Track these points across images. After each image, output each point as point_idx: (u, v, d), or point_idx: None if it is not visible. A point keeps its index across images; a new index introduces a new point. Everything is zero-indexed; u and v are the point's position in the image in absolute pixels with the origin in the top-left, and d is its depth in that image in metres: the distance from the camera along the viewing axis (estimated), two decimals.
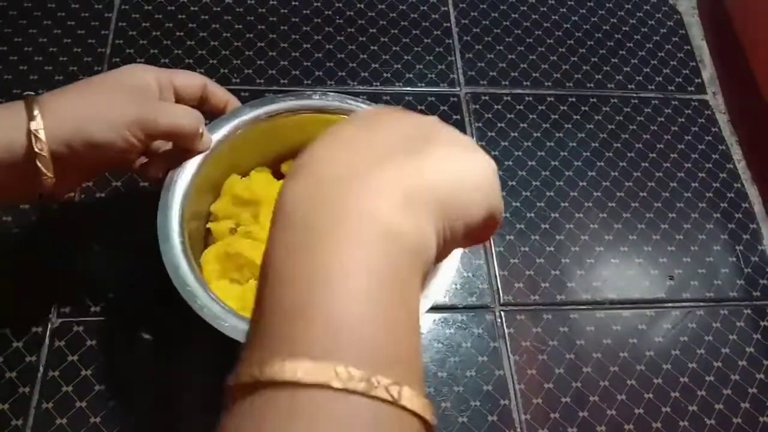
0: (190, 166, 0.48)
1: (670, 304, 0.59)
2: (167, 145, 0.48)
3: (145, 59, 0.66)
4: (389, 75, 0.68)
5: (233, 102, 0.51)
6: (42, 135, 0.39)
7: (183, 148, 0.47)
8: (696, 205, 0.64)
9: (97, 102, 0.42)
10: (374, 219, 0.26)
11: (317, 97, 0.53)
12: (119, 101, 0.42)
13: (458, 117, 0.66)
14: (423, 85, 0.68)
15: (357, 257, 0.25)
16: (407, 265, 0.27)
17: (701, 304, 0.59)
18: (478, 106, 0.67)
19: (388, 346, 0.24)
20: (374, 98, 0.66)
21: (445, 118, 0.66)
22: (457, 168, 0.30)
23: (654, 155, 0.67)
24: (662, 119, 0.69)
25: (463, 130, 0.65)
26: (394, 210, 0.27)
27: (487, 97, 0.68)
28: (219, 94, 0.50)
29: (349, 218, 0.26)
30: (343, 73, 0.68)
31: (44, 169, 0.40)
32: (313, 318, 0.24)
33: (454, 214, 0.29)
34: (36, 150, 0.39)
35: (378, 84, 0.68)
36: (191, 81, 0.48)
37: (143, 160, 0.48)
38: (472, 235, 0.31)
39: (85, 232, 0.57)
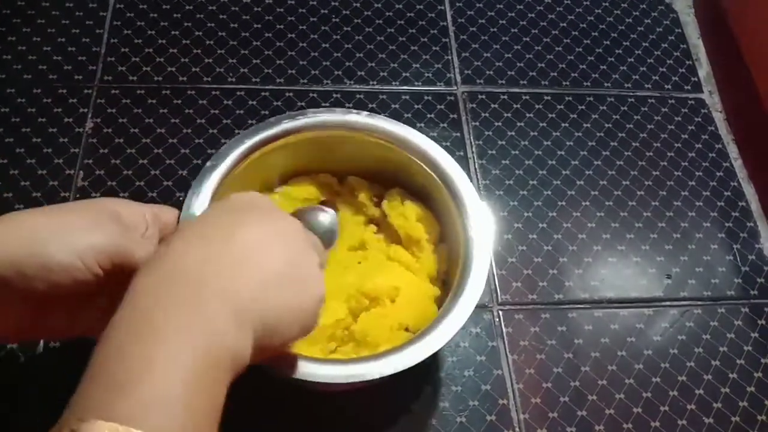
0: (209, 184, 0.47)
1: (667, 303, 0.59)
2: None
3: (140, 58, 0.65)
4: (386, 74, 0.68)
5: None
6: None
7: None
8: (693, 203, 0.64)
9: (62, 220, 0.35)
10: (206, 326, 0.29)
11: (339, 113, 0.52)
12: (90, 223, 0.36)
13: (455, 116, 0.66)
14: (420, 83, 0.68)
15: (182, 353, 0.28)
16: (222, 371, 0.30)
17: (699, 302, 0.59)
18: (474, 105, 0.67)
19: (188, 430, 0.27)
20: (371, 97, 0.66)
21: (443, 117, 0.66)
22: (288, 296, 0.34)
23: (651, 154, 0.67)
24: (659, 118, 0.69)
25: (460, 129, 0.65)
26: (224, 321, 0.30)
27: (483, 96, 0.68)
28: None
29: (185, 317, 0.29)
30: (340, 72, 0.67)
31: None
32: (132, 392, 0.26)
33: (273, 332, 0.33)
34: None
35: (374, 83, 0.67)
36: (171, 219, 0.43)
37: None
38: (285, 345, 0.37)
39: None
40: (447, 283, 0.51)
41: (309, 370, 0.41)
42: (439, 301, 0.49)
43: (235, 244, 0.34)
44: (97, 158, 0.59)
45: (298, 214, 0.43)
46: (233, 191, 0.48)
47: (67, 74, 0.64)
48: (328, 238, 0.43)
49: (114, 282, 0.35)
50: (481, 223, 0.48)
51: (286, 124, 0.51)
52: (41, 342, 0.50)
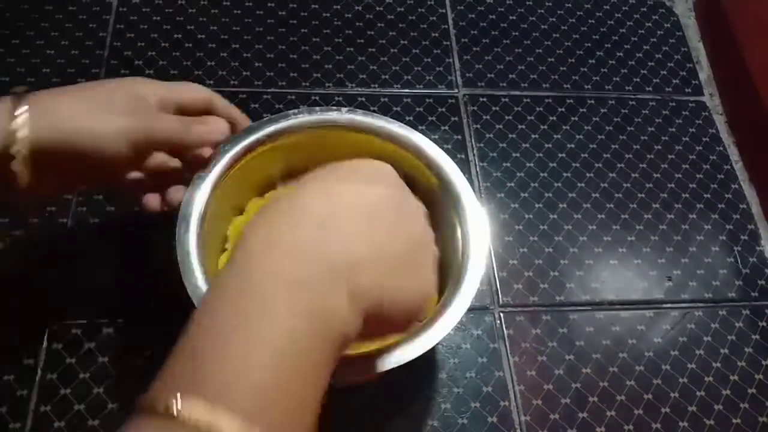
0: (208, 181, 0.47)
1: (668, 305, 0.59)
2: (171, 164, 0.44)
3: (142, 61, 0.66)
4: (387, 77, 0.68)
5: (241, 120, 0.49)
6: (22, 133, 0.36)
7: (193, 157, 0.44)
8: (694, 206, 0.65)
9: (89, 106, 0.39)
10: (318, 305, 0.29)
11: (344, 112, 0.52)
12: (113, 108, 0.40)
13: (456, 119, 0.66)
14: (421, 86, 0.68)
15: (286, 332, 0.27)
16: (327, 352, 0.29)
17: (700, 304, 0.59)
18: (476, 108, 0.67)
19: (279, 412, 0.27)
20: (372, 100, 0.66)
21: (444, 119, 0.66)
22: (405, 286, 0.33)
23: (652, 156, 0.67)
24: (660, 121, 0.69)
25: (461, 131, 0.65)
26: (339, 303, 0.29)
27: (485, 99, 0.68)
28: (225, 110, 0.47)
29: (296, 293, 0.28)
30: (341, 75, 0.68)
31: (20, 172, 0.37)
32: (224, 368, 0.26)
33: (381, 321, 0.32)
34: (11, 152, 0.36)
35: (376, 86, 0.68)
36: (194, 95, 0.45)
37: (137, 176, 0.43)
38: (387, 334, 0.36)
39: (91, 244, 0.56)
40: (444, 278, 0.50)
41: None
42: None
43: (357, 211, 0.32)
44: None
45: None
46: (230, 194, 0.50)
47: (70, 77, 0.64)
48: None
49: (136, 156, 0.41)
50: (478, 221, 0.48)
51: (286, 123, 0.51)
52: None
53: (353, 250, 0.31)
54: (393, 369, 0.43)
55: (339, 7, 0.72)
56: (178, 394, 0.25)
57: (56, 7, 0.68)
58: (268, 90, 0.66)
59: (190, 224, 0.45)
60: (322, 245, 0.30)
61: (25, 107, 0.37)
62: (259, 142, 0.50)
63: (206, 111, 0.46)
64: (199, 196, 0.46)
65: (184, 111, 0.44)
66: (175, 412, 0.24)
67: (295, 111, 0.51)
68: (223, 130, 0.45)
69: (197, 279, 0.42)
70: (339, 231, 0.31)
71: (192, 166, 0.45)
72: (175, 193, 0.45)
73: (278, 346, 0.27)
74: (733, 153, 0.69)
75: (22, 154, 0.37)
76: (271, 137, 0.50)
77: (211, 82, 0.65)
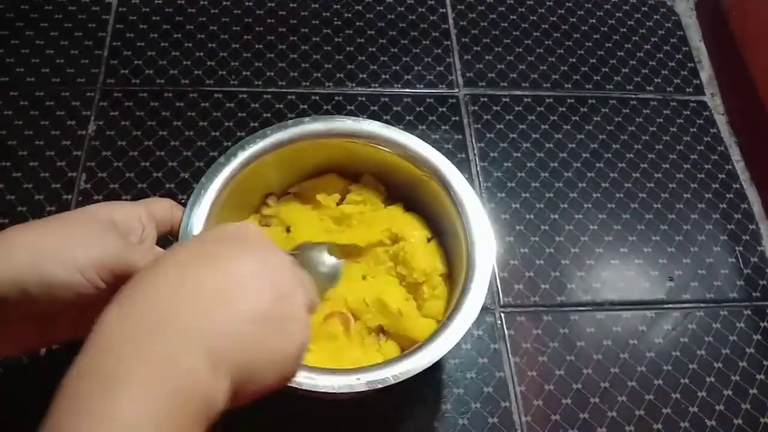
0: (213, 187, 0.47)
1: (670, 305, 0.59)
2: None
3: (142, 61, 0.66)
4: (387, 77, 0.68)
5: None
6: None
7: None
8: (695, 206, 0.64)
9: (60, 237, 0.35)
10: (175, 372, 0.27)
11: (350, 121, 0.51)
12: (86, 237, 0.36)
13: (457, 118, 0.66)
14: (422, 86, 0.68)
15: (146, 407, 0.26)
16: (193, 421, 0.28)
17: (701, 305, 0.59)
18: (476, 108, 0.67)
19: None
20: (373, 100, 0.66)
21: (444, 119, 0.66)
22: (268, 340, 0.32)
23: (653, 156, 0.67)
24: (661, 120, 0.69)
25: (462, 131, 0.65)
26: (197, 365, 0.28)
27: (485, 99, 0.68)
28: (178, 215, 0.45)
29: (151, 366, 0.27)
30: (342, 75, 0.67)
31: None
32: None
33: (250, 379, 0.31)
34: None
35: (376, 85, 0.67)
36: (165, 210, 0.43)
37: None
38: (260, 392, 0.33)
39: None
40: (450, 285, 0.50)
41: (307, 381, 0.40)
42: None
43: (214, 277, 0.31)
44: (99, 161, 0.59)
45: (300, 248, 0.41)
46: (240, 190, 0.49)
47: (69, 77, 0.64)
48: (328, 279, 0.41)
49: (115, 288, 0.35)
50: (483, 231, 0.48)
51: (302, 128, 0.51)
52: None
53: (205, 316, 0.30)
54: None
55: (339, 6, 0.72)
56: None
57: (56, 7, 0.68)
58: (268, 90, 0.65)
59: None
60: (170, 317, 0.29)
61: None
62: (252, 158, 0.49)
63: (170, 223, 0.44)
64: (196, 226, 0.45)
65: (158, 224, 0.42)
66: None
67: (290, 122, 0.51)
68: None
69: None
70: (190, 301, 0.30)
71: None
72: None
73: (149, 415, 0.26)
74: (735, 153, 0.69)
75: None
76: (273, 148, 0.50)
77: (211, 82, 0.65)
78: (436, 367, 0.53)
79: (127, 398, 0.26)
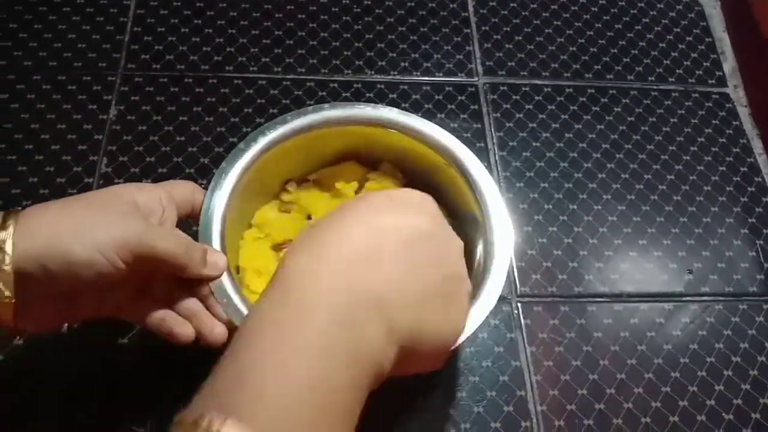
0: (234, 171, 0.47)
1: (688, 298, 0.58)
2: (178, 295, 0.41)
3: (163, 46, 0.66)
4: (407, 64, 0.68)
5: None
6: (8, 246, 0.33)
7: (185, 279, 0.40)
8: (716, 198, 0.64)
9: (81, 216, 0.36)
10: (357, 341, 0.29)
11: (370, 108, 0.51)
12: (108, 217, 0.36)
13: (476, 107, 0.66)
14: (441, 74, 0.68)
15: (324, 365, 0.28)
16: (361, 389, 0.29)
17: (720, 298, 0.59)
18: (496, 97, 0.67)
19: None
20: (391, 88, 0.66)
21: (463, 108, 0.66)
22: (440, 323, 0.33)
23: (674, 148, 0.66)
24: (682, 112, 0.68)
25: (480, 120, 0.65)
26: (378, 340, 0.30)
27: (505, 88, 0.68)
28: (199, 198, 0.45)
29: (336, 328, 0.29)
30: (361, 63, 0.67)
31: (2, 287, 0.33)
32: (266, 398, 0.27)
33: (413, 355, 0.32)
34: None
35: (395, 73, 0.67)
36: (186, 193, 0.43)
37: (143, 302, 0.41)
38: (413, 368, 0.35)
39: None
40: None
41: None
42: None
43: (392, 243, 0.32)
44: (120, 145, 0.60)
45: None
46: (260, 176, 0.50)
47: (91, 62, 0.64)
48: None
49: (135, 269, 0.36)
50: (502, 219, 0.48)
51: (321, 115, 0.51)
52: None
53: (391, 284, 0.31)
54: None
55: None
56: (220, 416, 0.25)
57: (74, 10, 0.68)
58: (287, 76, 0.65)
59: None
60: (360, 278, 0.30)
61: (13, 220, 0.34)
62: (273, 143, 0.50)
63: (191, 206, 0.44)
64: (218, 210, 0.45)
65: (178, 207, 0.42)
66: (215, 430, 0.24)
67: (308, 108, 0.51)
68: (222, 267, 0.42)
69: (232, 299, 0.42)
70: (377, 264, 0.31)
71: (189, 288, 0.42)
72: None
73: (313, 382, 0.27)
74: (757, 146, 0.68)
75: (9, 264, 0.33)
76: (279, 141, 0.50)
77: (231, 68, 0.65)
78: (453, 355, 0.53)
79: (307, 351, 0.28)
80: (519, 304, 0.56)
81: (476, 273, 0.47)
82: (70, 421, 0.48)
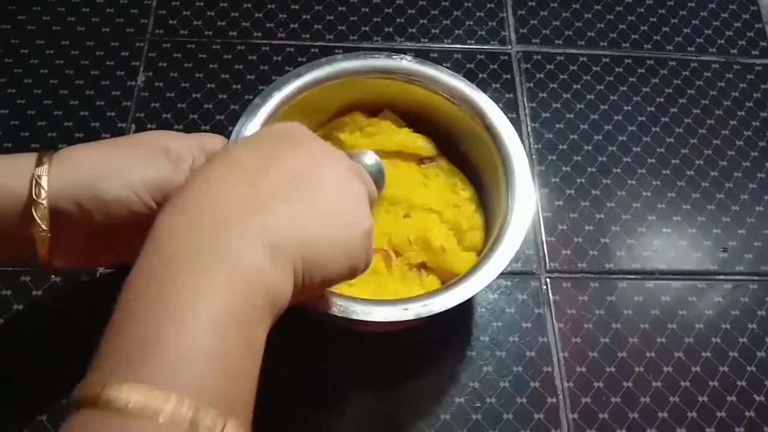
0: (254, 123, 0.47)
1: (722, 277, 0.57)
2: None
3: (190, 12, 0.65)
4: (437, 31, 0.66)
5: None
6: (44, 182, 0.35)
7: None
8: (754, 175, 0.62)
9: (116, 156, 0.37)
10: (235, 265, 0.27)
11: (396, 58, 0.51)
12: (142, 159, 0.38)
13: (508, 76, 0.64)
14: (473, 42, 0.66)
15: (210, 300, 0.26)
16: (258, 313, 0.28)
17: (755, 277, 0.57)
18: (529, 66, 0.65)
19: (224, 384, 0.26)
20: (422, 55, 0.64)
21: (495, 77, 0.64)
22: (330, 227, 0.32)
23: (712, 122, 0.64)
24: (722, 84, 0.66)
25: (513, 90, 0.63)
26: (257, 257, 0.28)
27: (539, 57, 0.66)
28: None
29: (211, 260, 0.27)
30: (390, 29, 0.66)
31: (39, 221, 0.35)
32: (159, 349, 0.25)
33: (316, 268, 0.31)
34: (33, 196, 0.34)
35: (426, 40, 0.66)
36: (216, 145, 0.44)
37: None
38: (330, 283, 0.33)
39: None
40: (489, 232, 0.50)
41: (343, 308, 0.41)
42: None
43: (270, 173, 0.31)
44: (148, 112, 0.60)
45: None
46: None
47: (119, 27, 0.64)
48: (376, 179, 0.40)
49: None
50: (524, 168, 0.48)
51: (337, 66, 0.50)
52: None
53: (262, 207, 0.30)
54: (435, 327, 0.43)
55: None
56: (121, 382, 0.24)
57: None
58: (316, 43, 0.64)
59: None
60: (229, 212, 0.29)
61: (48, 157, 0.36)
62: (316, 82, 0.50)
63: None
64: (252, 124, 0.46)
65: (208, 157, 0.42)
66: (117, 401, 0.23)
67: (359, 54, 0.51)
68: None
69: None
70: (246, 195, 0.30)
71: None
72: None
73: (212, 321, 0.26)
74: None
75: (44, 199, 0.35)
76: (308, 86, 0.50)
77: (259, 34, 0.64)
78: (479, 329, 0.53)
79: (189, 294, 0.26)
80: (548, 280, 0.55)
81: (498, 218, 0.47)
82: None
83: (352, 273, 0.34)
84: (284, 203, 0.31)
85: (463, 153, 0.53)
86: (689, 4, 0.70)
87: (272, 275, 0.29)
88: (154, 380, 0.24)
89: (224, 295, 0.27)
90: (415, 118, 0.54)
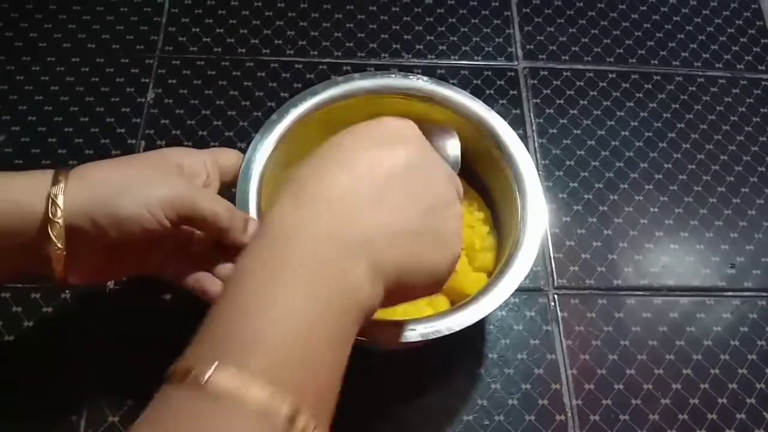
0: (270, 140, 0.48)
1: (730, 293, 0.57)
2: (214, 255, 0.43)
3: (200, 28, 0.66)
4: (445, 48, 0.67)
5: None
6: (60, 200, 0.35)
7: (223, 244, 0.41)
8: (762, 190, 0.62)
9: (130, 174, 0.38)
10: (339, 280, 0.29)
11: (412, 77, 0.52)
12: (156, 176, 0.38)
13: (515, 92, 0.65)
14: (479, 58, 0.66)
15: (316, 312, 0.28)
16: (350, 329, 0.29)
17: (763, 293, 0.57)
18: (536, 82, 0.65)
19: (315, 390, 0.27)
20: (429, 72, 0.65)
21: (502, 93, 0.64)
22: (427, 252, 0.33)
23: (719, 137, 0.64)
24: (729, 99, 0.66)
25: (520, 105, 0.64)
26: (359, 276, 0.29)
27: (546, 72, 0.66)
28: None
29: (319, 273, 0.28)
30: (398, 46, 0.66)
31: (55, 239, 0.35)
32: (263, 346, 0.26)
33: (405, 288, 0.32)
34: (50, 215, 0.35)
35: (433, 57, 0.66)
36: (231, 160, 0.45)
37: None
38: (409, 298, 0.35)
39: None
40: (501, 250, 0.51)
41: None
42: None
43: (375, 181, 0.32)
44: (158, 129, 0.60)
45: (430, 133, 0.41)
46: (291, 147, 0.50)
47: (129, 44, 0.64)
48: (454, 168, 0.40)
49: (178, 228, 0.39)
50: (536, 189, 0.48)
51: (351, 85, 0.51)
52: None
53: (371, 223, 0.31)
54: (444, 344, 0.44)
55: None
56: (210, 363, 0.25)
57: None
58: (324, 60, 0.65)
59: (249, 204, 0.45)
60: (341, 223, 0.30)
61: (64, 176, 0.36)
62: (332, 100, 0.51)
63: (235, 173, 0.46)
64: (253, 182, 0.46)
65: (222, 174, 0.44)
66: (204, 381, 0.24)
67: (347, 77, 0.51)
68: None
69: None
70: (359, 209, 0.31)
71: (227, 253, 0.42)
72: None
73: (305, 320, 0.27)
74: None
75: (60, 217, 0.35)
76: (324, 104, 0.51)
77: (268, 51, 0.65)
78: (487, 347, 0.53)
79: (296, 296, 0.28)
80: (556, 296, 0.55)
81: (509, 239, 0.47)
82: (110, 373, 0.49)
83: (430, 292, 0.35)
84: (389, 214, 0.32)
85: (475, 173, 0.53)
86: (695, 20, 0.70)
87: (369, 291, 0.30)
88: (242, 365, 0.25)
89: (325, 309, 0.28)
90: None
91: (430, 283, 0.34)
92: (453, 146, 0.42)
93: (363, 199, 0.31)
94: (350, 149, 0.34)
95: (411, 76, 0.52)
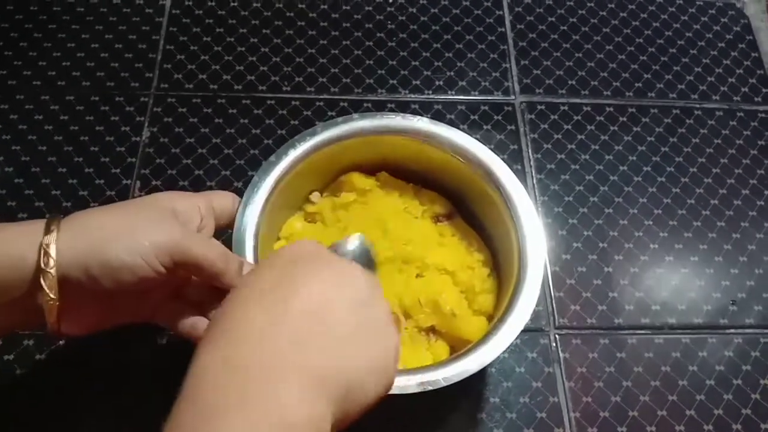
0: (268, 182, 0.48)
1: (732, 330, 0.57)
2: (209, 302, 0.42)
3: (195, 65, 0.65)
4: (441, 83, 0.66)
5: None
6: (52, 250, 0.34)
7: (218, 288, 0.40)
8: (761, 224, 0.61)
9: (123, 222, 0.37)
10: (274, 408, 0.28)
11: (411, 118, 0.52)
12: (149, 223, 0.37)
13: (512, 127, 0.64)
14: (476, 93, 0.66)
15: None
16: None
17: (765, 330, 0.57)
18: (533, 116, 0.65)
19: None
20: (426, 107, 0.65)
21: (500, 128, 0.64)
22: (371, 355, 0.32)
23: (717, 170, 0.64)
24: (727, 132, 0.66)
25: (517, 141, 0.63)
26: (296, 400, 0.28)
27: (543, 107, 0.66)
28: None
29: (250, 403, 0.28)
30: (395, 81, 0.66)
31: (47, 290, 0.35)
32: None
33: (356, 399, 0.31)
34: (42, 265, 0.34)
35: (430, 92, 0.66)
36: (226, 203, 0.45)
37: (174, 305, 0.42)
38: (364, 409, 0.33)
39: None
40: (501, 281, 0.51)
41: None
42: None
43: (298, 303, 0.32)
44: (153, 168, 0.60)
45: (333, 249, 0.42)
46: (289, 188, 0.50)
47: (123, 81, 0.64)
48: (362, 263, 0.40)
49: (173, 274, 0.38)
50: (535, 227, 0.48)
51: (351, 125, 0.51)
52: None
53: (304, 348, 0.30)
54: (444, 388, 0.43)
55: (392, 9, 0.70)
56: None
57: (110, 10, 0.68)
58: (321, 96, 0.64)
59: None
60: (274, 352, 0.30)
61: (56, 225, 0.36)
62: (303, 156, 0.50)
63: (231, 216, 0.46)
64: (250, 225, 0.46)
65: (216, 217, 0.44)
66: None
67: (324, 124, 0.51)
68: None
69: None
70: (280, 337, 0.31)
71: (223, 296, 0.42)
72: None
73: None
74: None
75: (52, 268, 0.35)
76: (323, 145, 0.51)
77: (264, 87, 0.64)
78: (488, 390, 0.52)
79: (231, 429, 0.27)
80: (557, 337, 0.55)
81: (510, 282, 0.47)
82: (109, 414, 0.49)
83: (382, 394, 0.34)
84: (319, 331, 0.31)
85: (474, 213, 0.53)
86: (691, 51, 0.71)
87: (315, 414, 0.29)
88: None
89: None
90: (429, 178, 0.54)
91: (379, 382, 0.33)
92: (351, 243, 0.42)
93: (287, 326, 0.31)
94: (261, 283, 0.34)
95: (409, 117, 0.52)
